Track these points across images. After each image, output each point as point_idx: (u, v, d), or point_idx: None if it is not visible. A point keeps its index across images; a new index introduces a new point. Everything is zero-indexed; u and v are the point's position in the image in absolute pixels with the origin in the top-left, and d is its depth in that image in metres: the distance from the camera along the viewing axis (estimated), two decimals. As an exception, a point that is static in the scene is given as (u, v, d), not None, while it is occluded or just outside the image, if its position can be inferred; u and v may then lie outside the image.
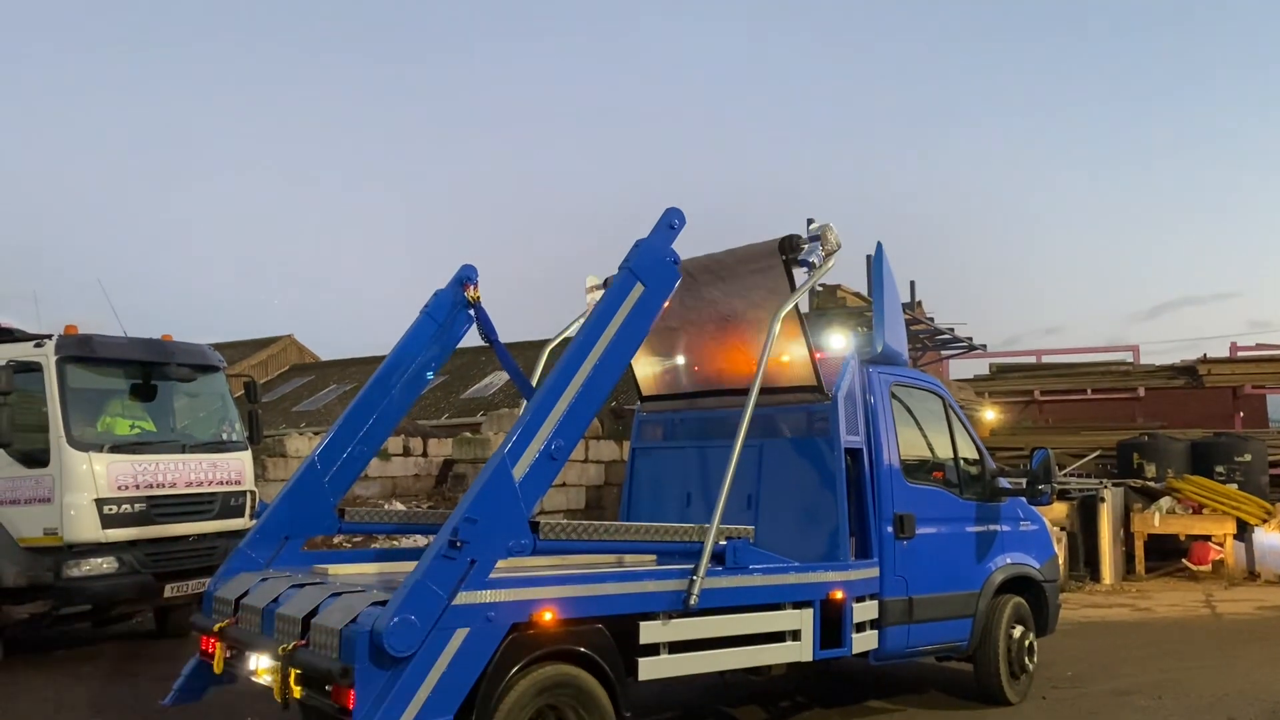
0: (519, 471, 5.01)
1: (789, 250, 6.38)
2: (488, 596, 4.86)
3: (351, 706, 4.59)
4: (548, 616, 5.08)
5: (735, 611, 5.88)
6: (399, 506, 15.87)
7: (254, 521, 10.66)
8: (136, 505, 9.47)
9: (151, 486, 9.62)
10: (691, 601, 5.50)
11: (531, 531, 5.09)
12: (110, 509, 9.28)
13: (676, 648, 5.65)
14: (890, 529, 6.90)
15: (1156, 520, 15.32)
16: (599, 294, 7.24)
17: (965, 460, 7.67)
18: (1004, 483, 7.80)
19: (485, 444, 16.88)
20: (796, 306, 6.44)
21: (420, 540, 11.89)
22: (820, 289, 19.21)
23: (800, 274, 6.51)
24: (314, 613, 5.03)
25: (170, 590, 9.70)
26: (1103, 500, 15.06)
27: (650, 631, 5.50)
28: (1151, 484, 16.17)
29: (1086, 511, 15.19)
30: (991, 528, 7.65)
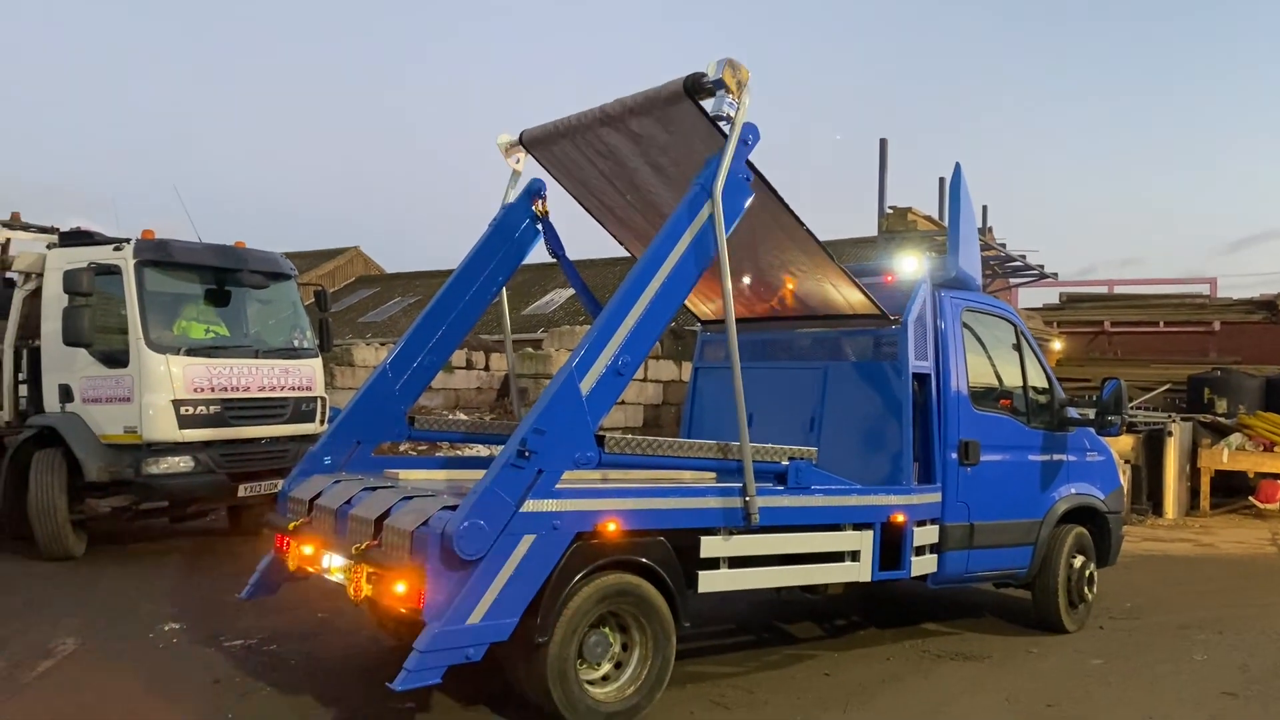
0: (586, 386, 5.04)
1: (696, 91, 5.29)
2: (554, 506, 4.94)
3: (421, 605, 4.73)
4: (611, 527, 5.16)
5: (796, 531, 5.93)
6: (462, 417, 16.15)
7: (325, 426, 11.01)
8: (211, 407, 9.75)
9: (226, 390, 9.89)
10: (753, 520, 5.56)
11: (597, 445, 5.16)
12: (187, 410, 9.57)
13: (736, 563, 5.73)
14: (955, 455, 6.87)
15: (1225, 457, 15.04)
16: (519, 153, 6.76)
17: (1034, 389, 7.58)
18: (1072, 412, 7.70)
19: (547, 360, 17.02)
20: (821, 244, 6.26)
21: (482, 450, 12.14)
22: (891, 210, 18.85)
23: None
24: (386, 514, 5.17)
25: (244, 490, 10.04)
26: (1170, 434, 14.83)
27: (711, 546, 5.58)
28: (1222, 419, 15.85)
29: (1153, 445, 14.97)
30: (1057, 457, 7.58)
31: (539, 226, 7.10)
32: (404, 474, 6.36)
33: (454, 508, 4.83)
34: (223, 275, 10.34)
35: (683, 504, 5.46)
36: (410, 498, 5.25)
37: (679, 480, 5.85)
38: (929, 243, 16.27)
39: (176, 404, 9.49)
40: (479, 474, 6.83)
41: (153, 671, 6.14)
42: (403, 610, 5.00)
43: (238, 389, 10.01)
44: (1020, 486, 7.35)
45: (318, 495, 5.92)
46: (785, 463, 5.93)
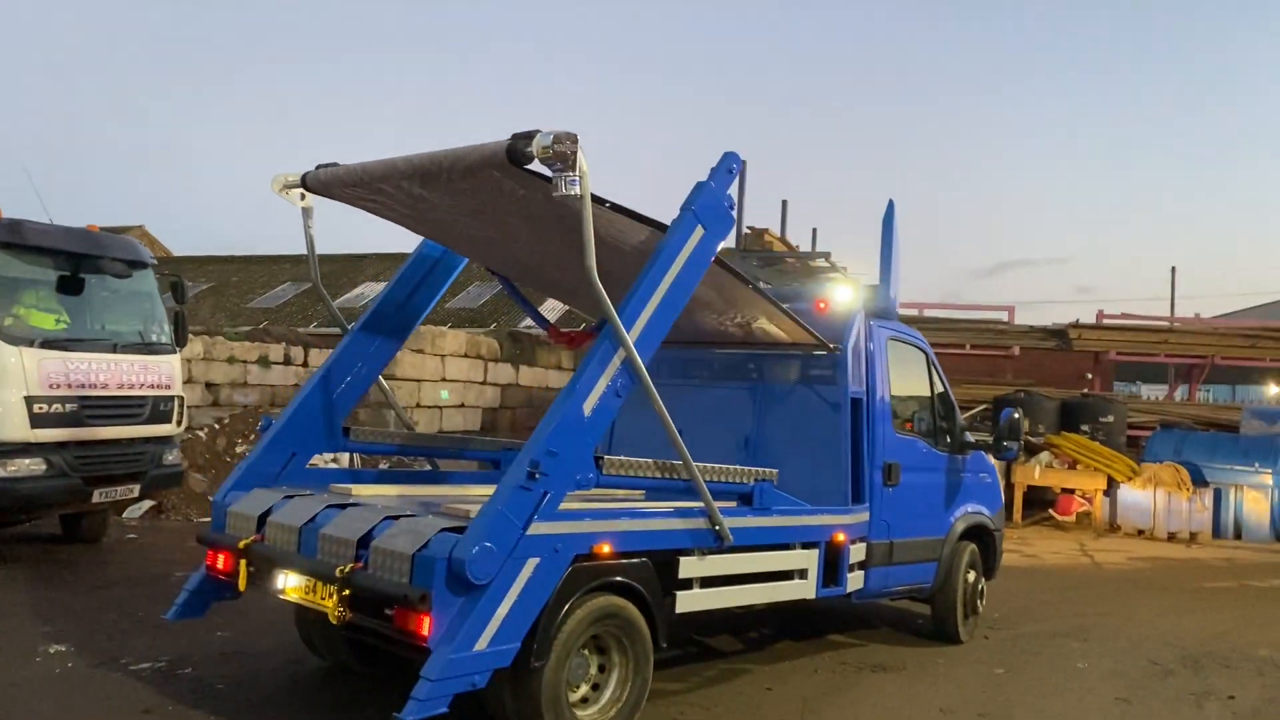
0: (588, 407, 5.01)
1: (521, 160, 4.50)
2: (557, 528, 4.87)
3: (420, 630, 4.56)
4: (606, 549, 5.14)
5: (757, 550, 6.08)
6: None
7: (181, 428, 10.32)
8: (68, 405, 8.95)
9: (84, 386, 9.10)
10: (726, 540, 5.66)
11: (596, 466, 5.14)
12: (40, 408, 8.75)
13: (707, 583, 5.82)
14: (879, 476, 7.22)
15: (1037, 473, 16.41)
16: (298, 192, 5.83)
17: (941, 414, 8.06)
18: (969, 437, 8.25)
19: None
20: (761, 291, 6.39)
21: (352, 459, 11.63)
22: (749, 231, 19.43)
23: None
24: (369, 535, 4.94)
25: (98, 496, 9.28)
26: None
27: (688, 566, 5.65)
28: (1030, 439, 17.25)
29: (971, 461, 16.09)
30: (957, 478, 8.09)
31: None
32: (356, 489, 6.08)
33: (455, 529, 4.68)
34: (79, 261, 9.51)
35: (669, 525, 5.51)
36: (394, 518, 5.03)
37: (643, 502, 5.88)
38: (776, 269, 16.80)
39: (29, 400, 8.66)
40: (429, 489, 6.71)
41: (69, 703, 5.58)
42: (391, 634, 4.79)
43: (95, 386, 9.23)
44: (929, 506, 7.81)
45: (268, 511, 5.57)
46: (750, 483, 6.07)
